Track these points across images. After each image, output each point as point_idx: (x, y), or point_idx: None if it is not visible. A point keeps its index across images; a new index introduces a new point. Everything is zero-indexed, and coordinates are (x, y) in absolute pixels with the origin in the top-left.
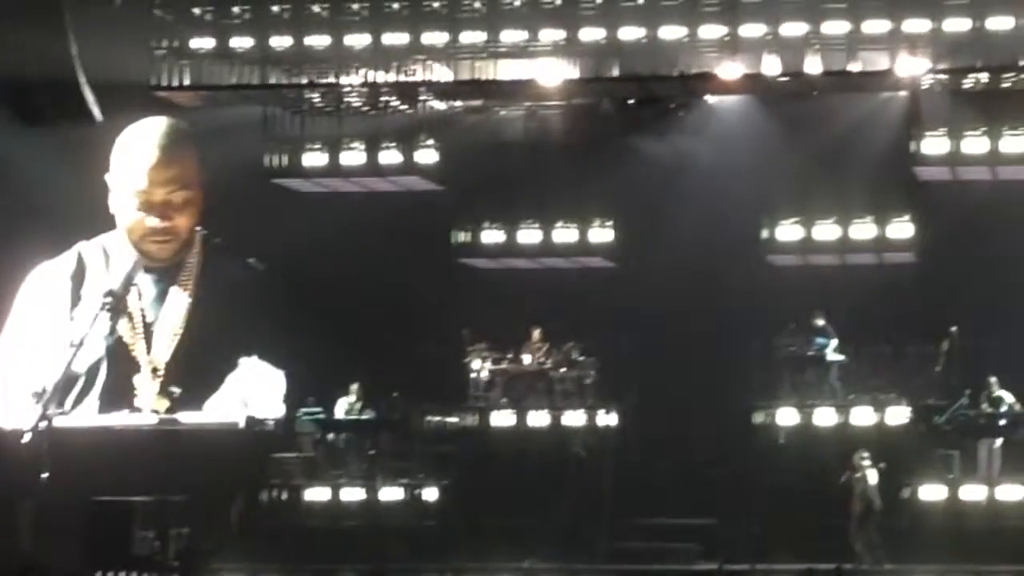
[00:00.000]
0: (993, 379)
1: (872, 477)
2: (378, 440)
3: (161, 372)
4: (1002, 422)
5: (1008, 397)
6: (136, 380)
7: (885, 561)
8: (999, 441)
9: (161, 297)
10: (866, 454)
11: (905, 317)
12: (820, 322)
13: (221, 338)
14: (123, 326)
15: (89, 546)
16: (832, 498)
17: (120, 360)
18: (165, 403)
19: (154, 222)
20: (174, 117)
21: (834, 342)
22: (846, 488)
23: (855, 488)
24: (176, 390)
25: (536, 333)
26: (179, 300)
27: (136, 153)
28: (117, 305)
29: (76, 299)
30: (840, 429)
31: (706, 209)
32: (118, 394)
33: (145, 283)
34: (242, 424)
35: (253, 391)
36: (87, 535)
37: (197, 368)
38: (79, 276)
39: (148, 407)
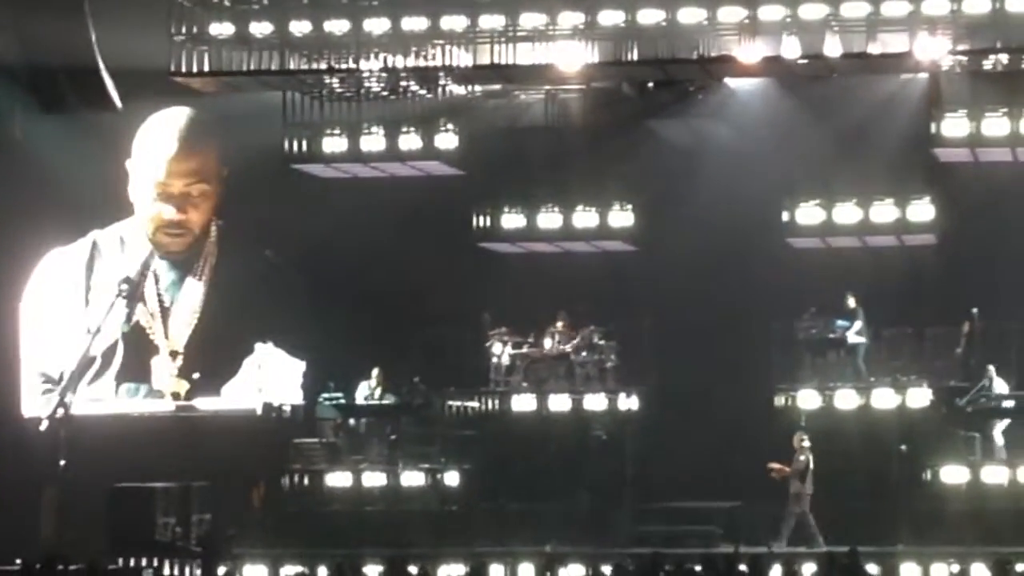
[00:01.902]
0: (991, 367)
1: (810, 460)
2: (399, 425)
3: (180, 355)
4: (1007, 404)
5: (1004, 387)
6: (154, 362)
7: (822, 544)
8: (1003, 424)
9: (179, 283)
10: (805, 436)
11: (926, 299)
12: (852, 303)
13: (238, 324)
14: (140, 310)
15: (112, 532)
16: (853, 481)
17: (138, 343)
18: (184, 385)
19: (171, 214)
20: (195, 105)
21: (858, 324)
22: (795, 471)
23: (794, 468)
24: (196, 375)
25: (561, 319)
26: (196, 287)
27: (157, 144)
28: (133, 292)
29: (89, 287)
30: (861, 412)
31: (726, 192)
32: (135, 376)
33: (162, 269)
34: (259, 411)
35: (269, 378)
36: (110, 521)
37: (214, 352)
38: (92, 264)
39: (167, 389)
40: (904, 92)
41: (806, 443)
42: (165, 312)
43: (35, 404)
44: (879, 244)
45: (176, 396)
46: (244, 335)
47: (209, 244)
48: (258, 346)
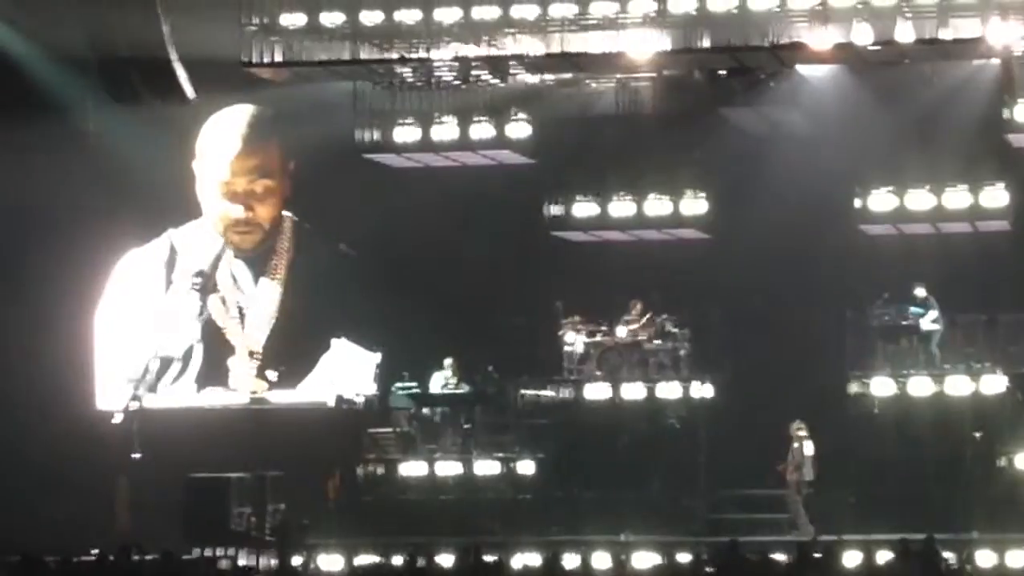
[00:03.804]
0: None
1: (808, 448)
2: (473, 414)
3: (258, 355)
4: None
5: None
6: (231, 362)
7: (818, 533)
8: None
9: (255, 281)
10: (802, 424)
11: (999, 285)
12: (920, 293)
13: (314, 322)
14: (217, 310)
15: (187, 522)
16: (927, 468)
17: (215, 343)
18: (263, 385)
19: (237, 212)
20: (266, 96)
21: (933, 312)
22: (791, 461)
23: (792, 458)
24: (274, 374)
25: (637, 307)
26: (271, 286)
27: (219, 144)
28: (206, 284)
29: (169, 285)
30: (936, 399)
31: (798, 179)
32: (214, 376)
33: (238, 268)
34: (331, 403)
35: (341, 371)
36: (185, 511)
37: (292, 351)
38: (171, 263)
39: (245, 389)
40: (976, 78)
41: (802, 432)
42: (242, 312)
43: (109, 398)
44: (952, 230)
45: (253, 395)
46: (320, 332)
47: (282, 240)
48: (333, 342)
